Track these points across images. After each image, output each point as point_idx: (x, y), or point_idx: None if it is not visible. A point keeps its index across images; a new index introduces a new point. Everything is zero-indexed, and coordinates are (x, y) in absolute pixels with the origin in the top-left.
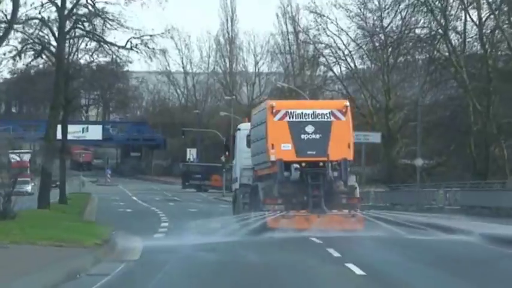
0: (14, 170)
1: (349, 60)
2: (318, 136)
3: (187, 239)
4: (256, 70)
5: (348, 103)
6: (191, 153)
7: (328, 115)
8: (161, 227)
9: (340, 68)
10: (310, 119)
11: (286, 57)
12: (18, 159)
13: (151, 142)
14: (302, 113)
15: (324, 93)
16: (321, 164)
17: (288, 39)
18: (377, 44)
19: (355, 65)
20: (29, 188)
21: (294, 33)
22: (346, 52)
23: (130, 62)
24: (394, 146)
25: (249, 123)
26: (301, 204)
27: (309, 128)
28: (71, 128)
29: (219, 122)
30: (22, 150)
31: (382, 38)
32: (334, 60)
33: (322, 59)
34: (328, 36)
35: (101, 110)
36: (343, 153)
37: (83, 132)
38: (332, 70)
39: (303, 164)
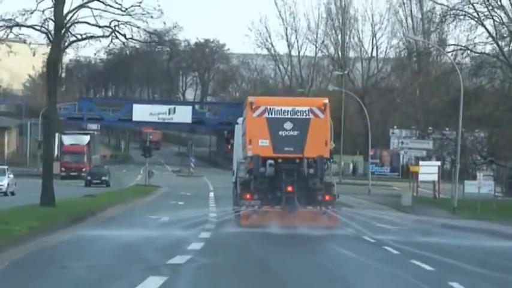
0: (67, 156)
1: (508, 10)
2: (295, 133)
3: None
4: (374, 42)
5: (327, 101)
6: None
7: (307, 112)
8: None
9: (494, 22)
10: (289, 116)
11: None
12: (73, 142)
13: None
14: (281, 109)
15: (470, 55)
16: (297, 160)
17: None
18: None
19: None
20: (3, 183)
21: None
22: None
23: None
24: None
25: None
26: (276, 200)
27: (288, 125)
28: (155, 108)
29: (330, 101)
30: (79, 132)
31: None
32: (486, 11)
33: (469, 10)
34: None
35: (199, 92)
36: (319, 150)
37: (169, 113)
38: (483, 25)
39: (279, 160)
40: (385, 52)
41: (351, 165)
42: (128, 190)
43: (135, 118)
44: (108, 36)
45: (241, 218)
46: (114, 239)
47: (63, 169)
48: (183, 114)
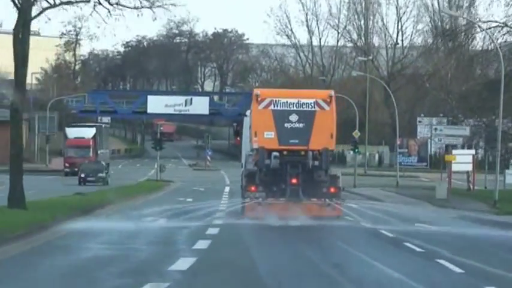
0: (71, 150)
1: None
2: (301, 125)
3: None
4: (399, 27)
5: (332, 93)
6: None
7: (312, 105)
8: None
9: None
10: (295, 108)
11: None
12: (77, 135)
13: None
14: (287, 102)
15: (510, 32)
16: (302, 153)
17: None
18: None
19: None
20: None
21: None
22: None
23: None
24: None
25: None
26: (281, 192)
27: (293, 117)
28: (170, 99)
29: (352, 91)
30: (84, 124)
31: None
32: None
33: None
34: None
35: (218, 83)
36: (325, 142)
37: (185, 105)
38: None
39: (285, 153)
40: (411, 37)
41: (376, 156)
42: (134, 186)
43: (150, 110)
44: (88, 1)
45: (246, 210)
46: (76, 254)
47: (66, 165)
48: (200, 106)
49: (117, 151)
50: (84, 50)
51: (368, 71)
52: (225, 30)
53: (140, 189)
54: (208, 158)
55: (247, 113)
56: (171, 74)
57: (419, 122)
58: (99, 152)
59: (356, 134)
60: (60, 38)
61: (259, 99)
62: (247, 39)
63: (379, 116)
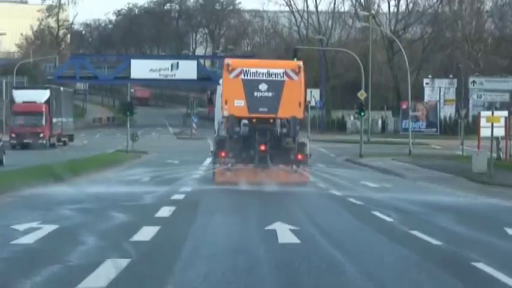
0: (20, 117)
1: None
2: (270, 94)
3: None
4: None
5: (301, 63)
6: (312, 96)
7: (281, 74)
8: None
9: None
10: (264, 78)
11: None
12: (27, 99)
13: None
14: (257, 71)
15: None
16: (271, 120)
17: None
18: None
19: None
20: None
21: None
22: None
23: None
24: None
25: None
26: (250, 158)
27: (263, 86)
28: (155, 63)
29: (353, 51)
30: (35, 86)
31: None
32: None
33: None
34: None
35: (210, 49)
36: (293, 111)
37: (171, 69)
38: None
39: (254, 120)
40: None
41: (380, 122)
42: (79, 161)
43: (133, 75)
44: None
45: (216, 176)
46: None
47: (13, 135)
48: (188, 70)
49: (99, 120)
50: (69, 15)
51: (370, 24)
52: None
53: (88, 164)
54: (194, 125)
55: (220, 81)
56: (162, 42)
57: (427, 83)
58: (54, 120)
59: (362, 95)
60: (42, 2)
61: (230, 68)
62: (240, 3)
63: (382, 79)
